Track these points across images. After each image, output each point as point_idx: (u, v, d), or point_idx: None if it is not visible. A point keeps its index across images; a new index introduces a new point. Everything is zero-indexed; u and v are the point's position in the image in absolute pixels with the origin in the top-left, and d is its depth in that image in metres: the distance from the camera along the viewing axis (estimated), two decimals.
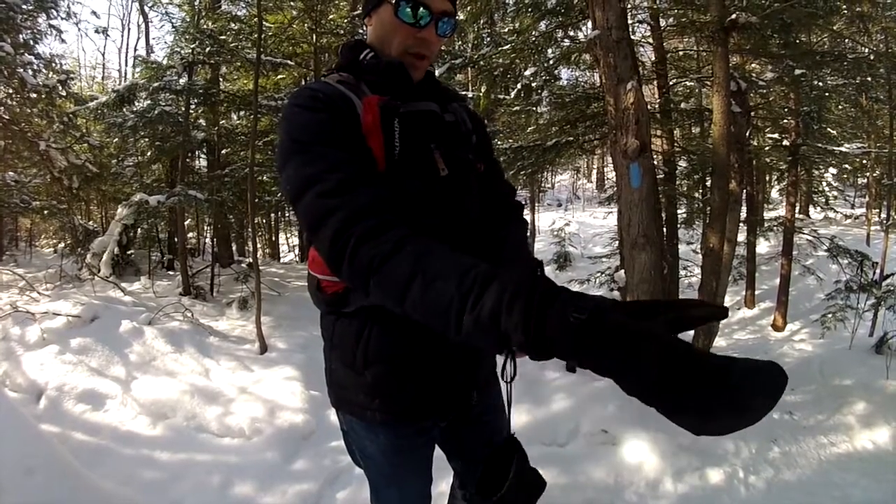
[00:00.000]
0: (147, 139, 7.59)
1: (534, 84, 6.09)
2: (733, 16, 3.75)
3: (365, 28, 1.17)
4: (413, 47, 1.08)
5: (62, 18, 8.35)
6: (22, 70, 7.00)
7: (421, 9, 1.04)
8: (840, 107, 8.97)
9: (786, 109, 6.75)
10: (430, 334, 1.12)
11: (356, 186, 0.88)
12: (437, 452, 1.36)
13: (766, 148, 7.54)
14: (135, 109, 6.75)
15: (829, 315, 5.08)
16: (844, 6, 5.52)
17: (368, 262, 0.80)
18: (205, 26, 6.80)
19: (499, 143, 6.87)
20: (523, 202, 1.41)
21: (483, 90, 6.92)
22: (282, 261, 12.14)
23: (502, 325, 0.65)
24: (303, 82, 9.10)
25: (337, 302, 1.14)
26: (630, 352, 0.59)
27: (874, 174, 9.19)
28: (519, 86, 6.24)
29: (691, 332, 3.92)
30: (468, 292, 0.69)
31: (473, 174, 1.19)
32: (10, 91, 7.39)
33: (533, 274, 0.69)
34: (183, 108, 6.62)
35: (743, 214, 6.48)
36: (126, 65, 20.32)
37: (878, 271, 5.24)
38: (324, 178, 0.89)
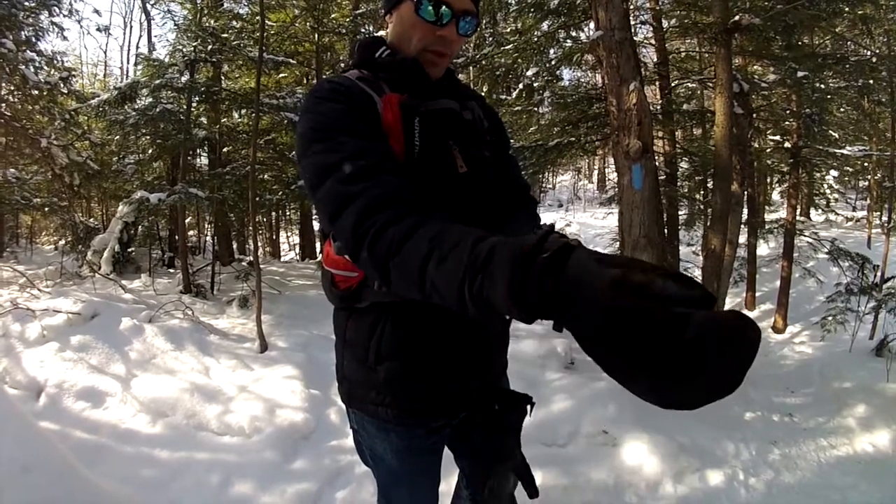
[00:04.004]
0: (148, 137, 7.58)
1: (536, 84, 6.09)
2: (736, 17, 3.76)
3: (385, 26, 1.17)
4: (433, 45, 1.07)
5: (64, 16, 8.39)
6: (24, 67, 7.02)
7: (443, 7, 1.03)
8: (842, 109, 8.96)
9: (787, 111, 6.75)
10: (444, 331, 1.11)
11: (378, 174, 0.87)
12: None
13: (768, 150, 7.55)
14: (136, 107, 6.74)
15: (830, 318, 5.08)
16: (847, 8, 5.52)
17: (387, 250, 0.78)
18: (207, 24, 6.80)
19: None
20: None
21: (485, 90, 6.91)
22: (282, 259, 12.16)
23: (486, 286, 0.64)
24: (305, 81, 9.11)
25: (350, 297, 1.14)
26: (578, 294, 0.54)
27: (875, 177, 9.18)
28: (521, 86, 6.25)
29: None
30: (472, 262, 0.66)
31: (491, 172, 1.19)
32: (12, 88, 7.40)
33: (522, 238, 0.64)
34: (184, 106, 6.61)
35: (744, 216, 6.48)
36: (128, 62, 20.30)
37: (878, 274, 5.24)
38: (345, 165, 0.88)
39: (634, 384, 0.52)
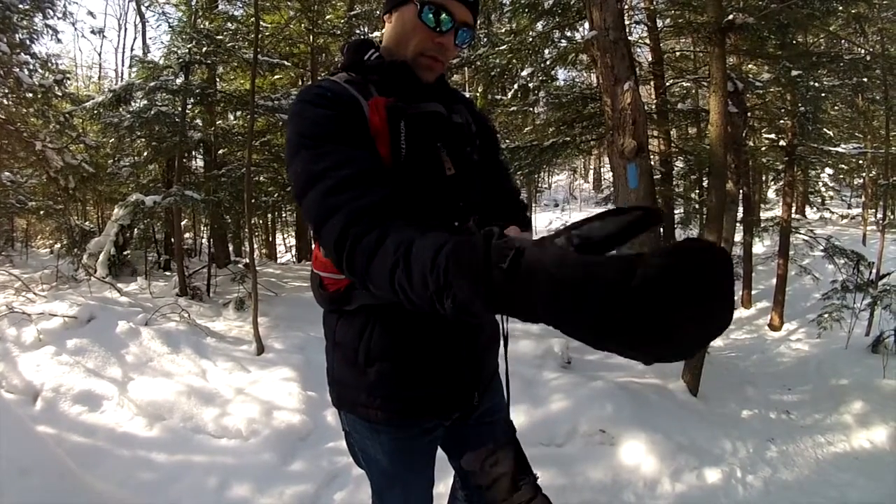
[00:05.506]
0: (143, 139, 7.56)
1: (531, 84, 6.10)
2: (730, 17, 3.76)
3: (381, 26, 1.17)
4: (430, 51, 1.08)
5: (58, 18, 8.34)
6: (18, 70, 6.98)
7: (443, 15, 1.05)
8: (836, 107, 9.02)
9: (782, 110, 6.77)
10: (434, 332, 1.12)
11: (360, 184, 0.88)
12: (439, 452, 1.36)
13: (763, 148, 7.58)
14: (131, 109, 6.73)
15: (826, 315, 5.10)
16: (841, 7, 5.54)
17: (361, 262, 0.80)
18: (201, 26, 6.79)
19: None
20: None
21: (480, 90, 6.93)
22: (279, 261, 12.13)
23: (458, 298, 0.63)
24: (300, 82, 9.10)
25: (339, 300, 1.14)
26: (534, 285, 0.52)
27: (870, 174, 9.22)
28: (516, 86, 6.25)
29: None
30: (436, 277, 0.66)
31: (479, 174, 1.20)
32: (6, 91, 7.36)
33: (473, 238, 0.64)
34: (179, 108, 6.60)
35: (739, 215, 6.49)
36: (123, 65, 20.28)
37: (874, 271, 5.26)
38: (328, 175, 0.89)
39: (606, 343, 0.48)
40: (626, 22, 5.42)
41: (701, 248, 0.45)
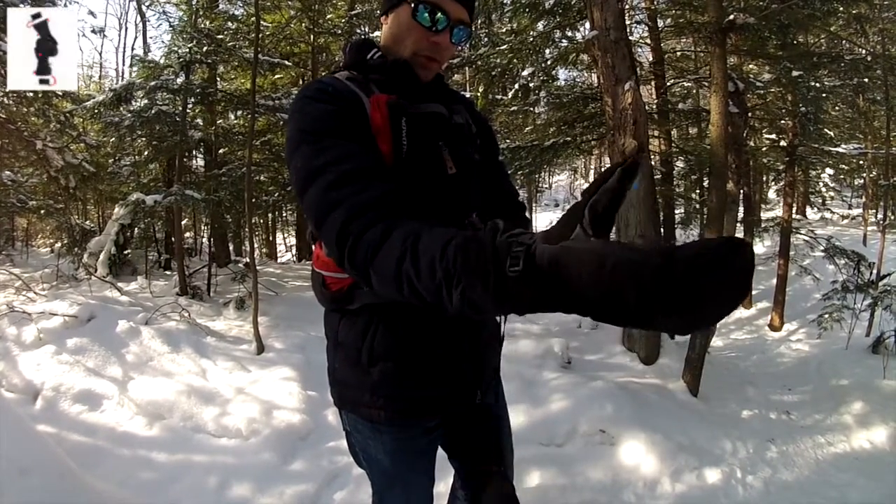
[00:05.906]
0: (144, 138, 7.58)
1: (531, 84, 6.09)
2: (731, 17, 3.76)
3: (380, 26, 1.17)
4: (425, 50, 1.08)
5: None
6: None
7: (438, 14, 1.05)
8: (837, 108, 9.01)
9: (783, 110, 6.77)
10: (436, 331, 1.12)
11: (360, 179, 0.88)
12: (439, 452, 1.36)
13: (764, 148, 7.58)
14: (132, 109, 6.73)
15: (826, 315, 5.10)
16: (842, 7, 5.54)
17: (364, 256, 0.79)
18: (202, 26, 6.79)
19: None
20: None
21: (481, 90, 6.92)
22: (279, 261, 12.14)
23: (468, 294, 0.64)
24: (300, 82, 9.10)
25: (342, 299, 1.13)
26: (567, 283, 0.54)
27: (871, 175, 9.22)
28: (517, 86, 6.24)
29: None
30: (445, 267, 0.67)
31: (479, 174, 1.20)
32: (7, 90, 7.35)
33: (480, 236, 0.65)
34: (180, 108, 6.60)
35: (740, 215, 6.49)
36: (123, 64, 20.22)
37: (874, 271, 5.26)
38: (329, 171, 0.89)
39: (650, 327, 0.53)
40: (627, 22, 5.42)
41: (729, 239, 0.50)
